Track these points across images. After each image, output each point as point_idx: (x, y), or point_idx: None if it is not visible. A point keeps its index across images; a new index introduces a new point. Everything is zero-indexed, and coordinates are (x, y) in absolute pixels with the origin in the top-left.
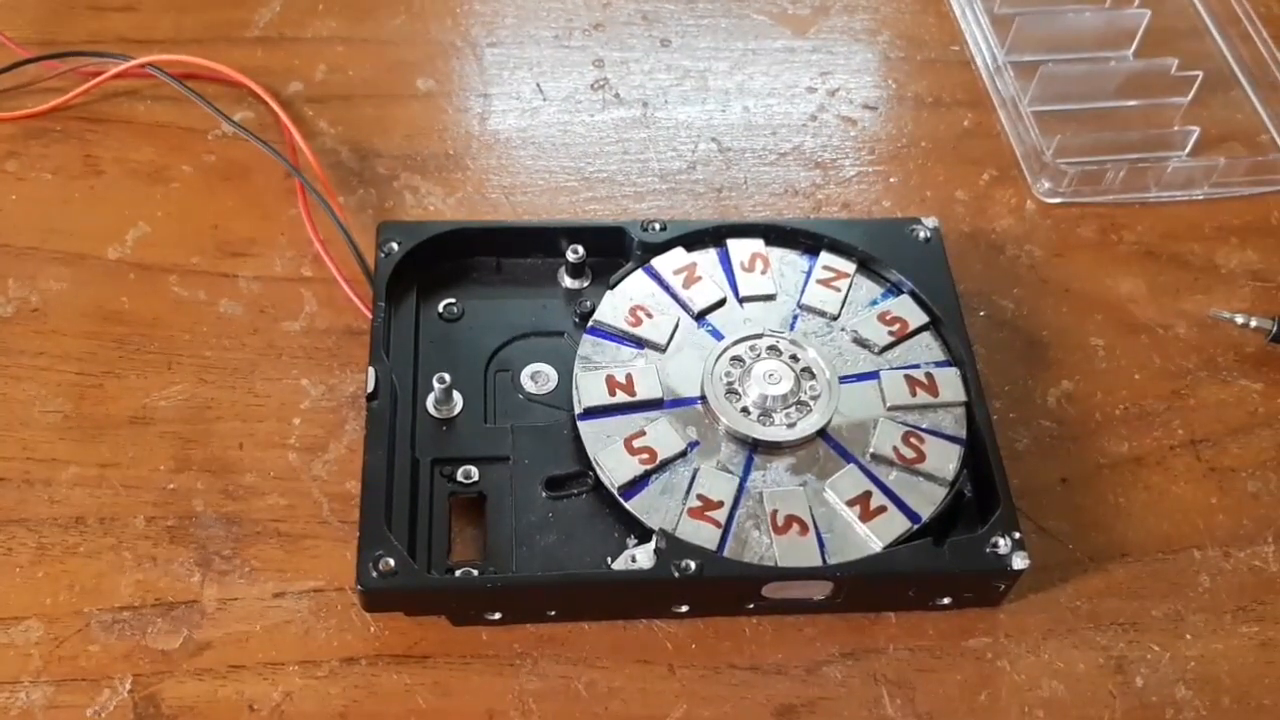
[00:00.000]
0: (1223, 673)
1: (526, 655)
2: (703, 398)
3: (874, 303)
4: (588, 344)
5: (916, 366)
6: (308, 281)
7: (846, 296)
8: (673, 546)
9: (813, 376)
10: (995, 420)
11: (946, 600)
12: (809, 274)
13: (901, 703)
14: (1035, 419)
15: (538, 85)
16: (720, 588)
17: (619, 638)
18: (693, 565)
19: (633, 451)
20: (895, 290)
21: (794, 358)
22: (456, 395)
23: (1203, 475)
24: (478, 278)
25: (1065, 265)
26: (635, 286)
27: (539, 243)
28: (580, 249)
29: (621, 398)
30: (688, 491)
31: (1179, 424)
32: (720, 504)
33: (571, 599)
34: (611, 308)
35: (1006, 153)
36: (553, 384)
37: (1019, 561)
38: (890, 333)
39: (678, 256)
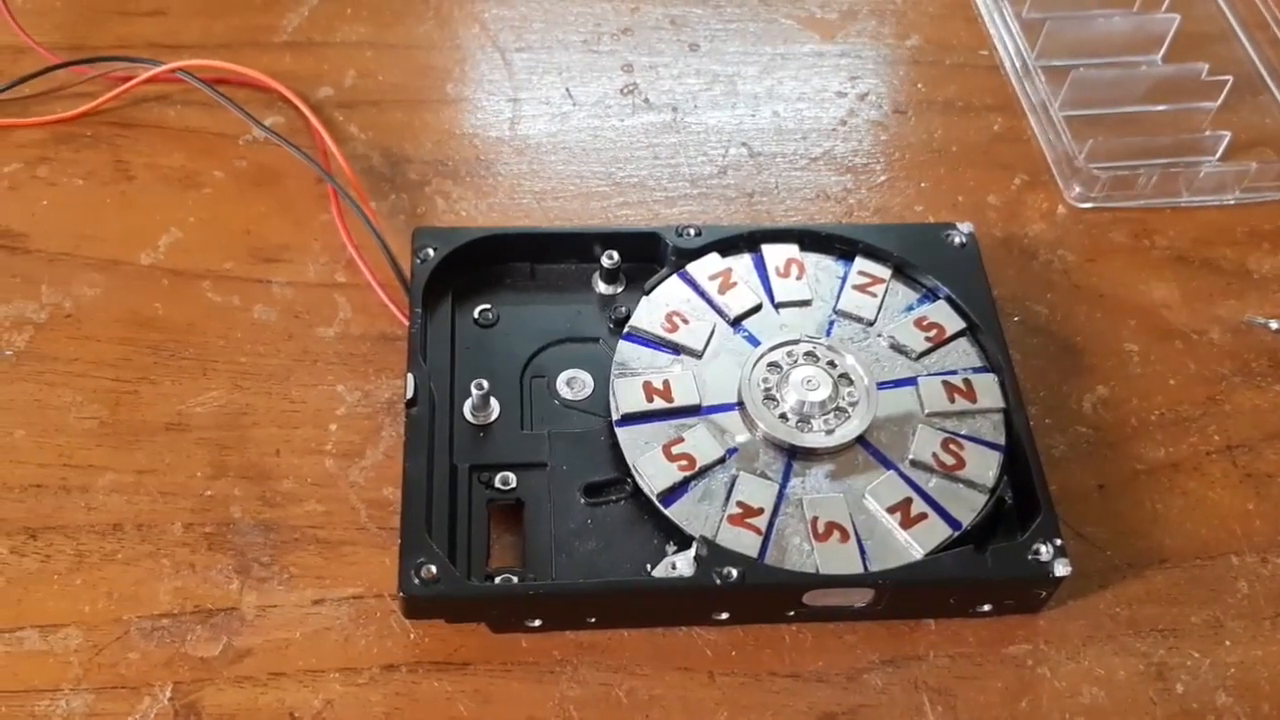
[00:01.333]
0: (1263, 679)
1: (566, 662)
2: (740, 404)
3: (910, 308)
4: (624, 350)
5: (954, 373)
6: (341, 287)
7: (883, 302)
8: (714, 554)
9: (850, 382)
10: (1031, 426)
11: (987, 607)
12: (844, 279)
13: (943, 710)
14: (1071, 425)
15: (567, 90)
16: (761, 595)
17: (659, 645)
18: (734, 573)
19: (671, 458)
20: (931, 296)
21: (831, 364)
22: (494, 401)
23: (1239, 481)
24: (512, 283)
25: (1098, 270)
26: (671, 292)
27: (574, 248)
28: (615, 254)
29: (659, 404)
30: (727, 498)
31: (1215, 430)
32: (760, 511)
33: (612, 606)
34: (647, 313)
35: (1037, 157)
36: (589, 390)
37: (1061, 568)
38: (927, 339)
39: (712, 262)
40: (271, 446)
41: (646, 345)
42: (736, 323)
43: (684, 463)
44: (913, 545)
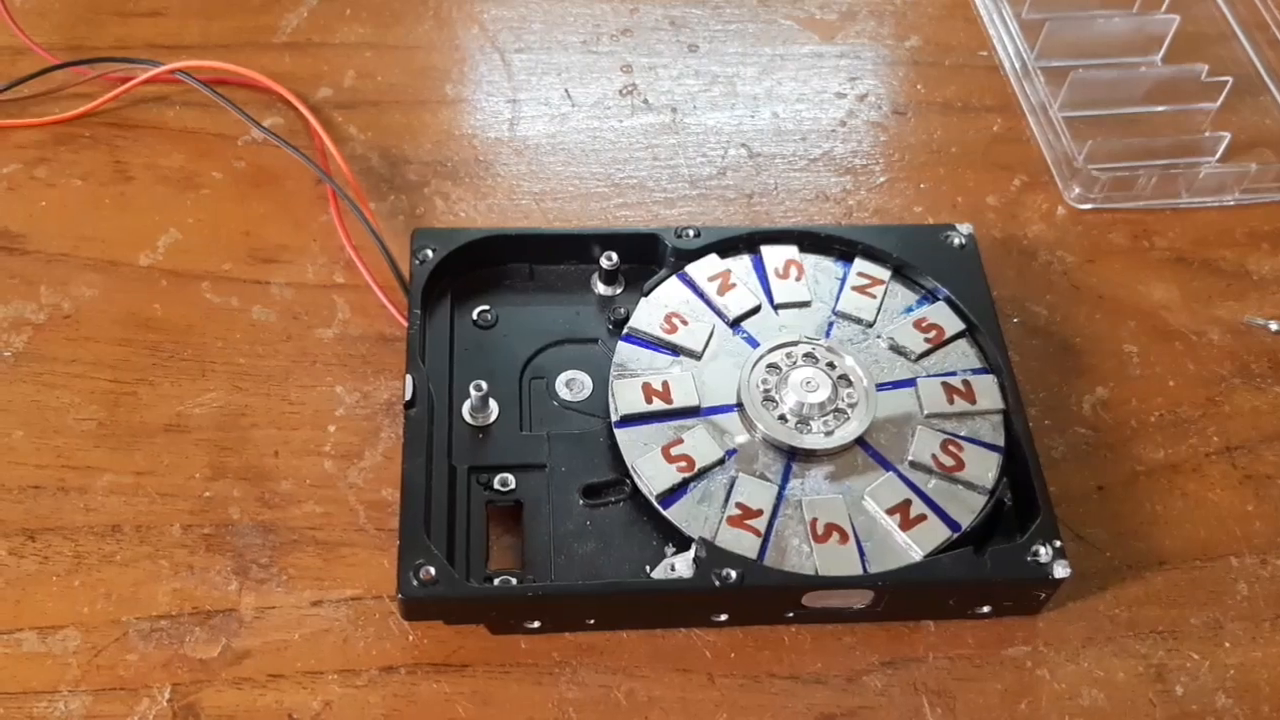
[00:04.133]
0: (1262, 680)
1: (565, 664)
2: (740, 405)
3: (909, 310)
4: (623, 351)
5: (953, 374)
6: (340, 288)
7: (882, 303)
8: (713, 555)
9: (850, 384)
10: (1031, 428)
11: (986, 609)
12: (843, 281)
13: (942, 712)
14: (1071, 426)
15: (566, 91)
16: (760, 597)
17: (658, 646)
18: (733, 574)
19: (670, 459)
20: (931, 297)
21: (831, 365)
22: (493, 403)
23: (1239, 482)
24: (511, 285)
25: (1097, 271)
26: (670, 293)
27: (573, 249)
28: (614, 255)
29: (658, 405)
30: (726, 500)
31: (1214, 431)
32: (759, 512)
33: (611, 608)
34: (646, 315)
35: (1037, 158)
36: (588, 391)
37: (1060, 570)
38: (926, 340)
39: (711, 263)
40: (270, 447)
41: (645, 346)
42: (735, 324)
43: (683, 464)
44: (912, 547)
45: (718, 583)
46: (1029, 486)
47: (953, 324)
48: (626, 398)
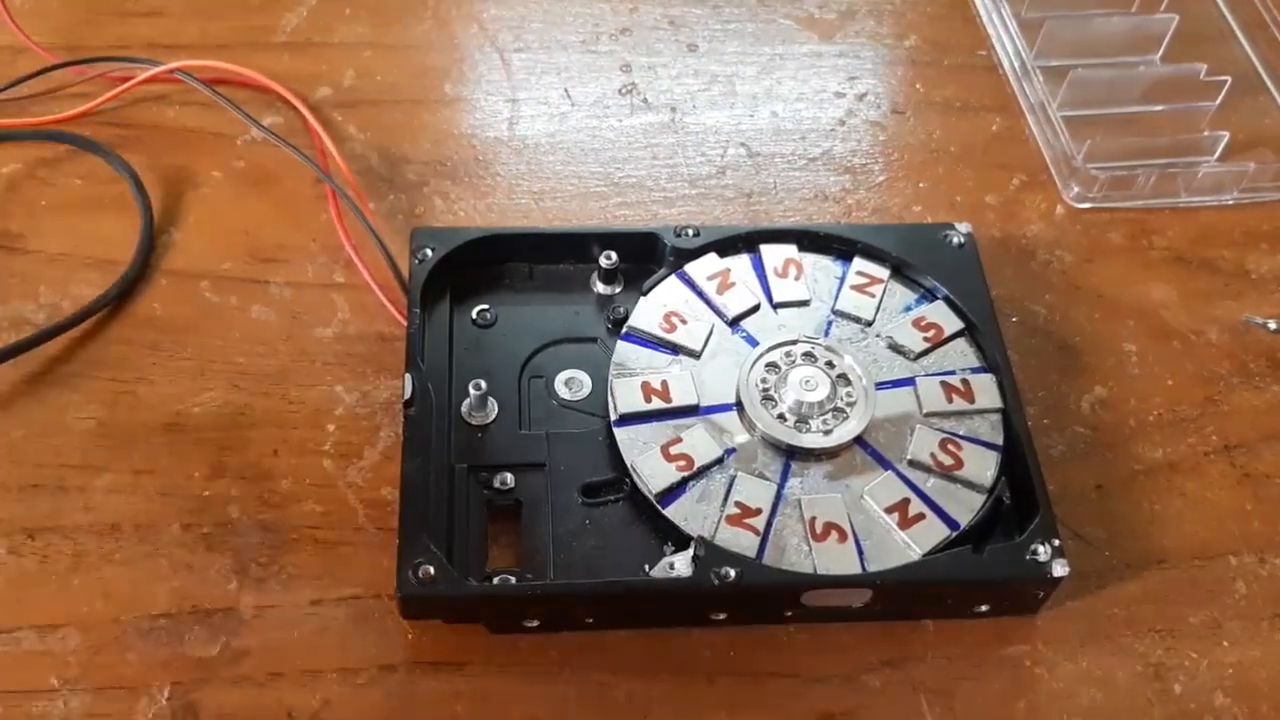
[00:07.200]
0: (1261, 680)
1: (565, 663)
2: (739, 404)
3: (908, 309)
4: (622, 350)
5: (952, 373)
6: (340, 287)
7: (880, 302)
8: (711, 554)
9: (849, 383)
10: (1030, 427)
11: (984, 608)
12: (842, 280)
13: (941, 711)
14: (1069, 425)
15: (565, 90)
16: (759, 596)
17: (657, 646)
18: (732, 573)
19: (669, 458)
20: (929, 296)
21: (829, 364)
22: (492, 402)
23: (1237, 481)
24: (510, 284)
25: (1096, 271)
26: (669, 292)
27: (572, 248)
28: (613, 255)
29: (657, 404)
30: (725, 498)
31: (1213, 430)
32: (758, 511)
33: (609, 607)
34: (645, 314)
35: (1035, 158)
36: (587, 390)
37: (1059, 569)
38: (925, 339)
39: (711, 262)
40: (269, 447)
41: (645, 345)
42: (735, 323)
43: (682, 463)
44: (911, 545)
45: (716, 581)
46: (1028, 485)
47: (951, 323)
48: (625, 396)
